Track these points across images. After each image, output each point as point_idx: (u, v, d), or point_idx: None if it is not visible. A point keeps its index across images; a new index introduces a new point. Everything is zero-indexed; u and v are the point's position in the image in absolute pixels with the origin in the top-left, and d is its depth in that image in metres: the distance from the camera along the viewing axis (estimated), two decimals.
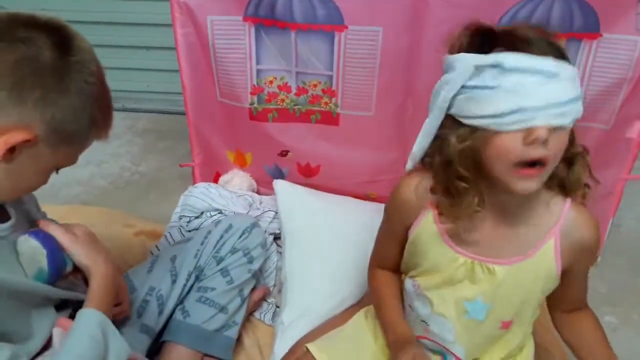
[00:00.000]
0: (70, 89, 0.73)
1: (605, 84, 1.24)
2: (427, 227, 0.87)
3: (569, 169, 0.81)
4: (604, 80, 1.24)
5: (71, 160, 0.81)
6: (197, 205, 1.46)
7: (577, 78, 0.73)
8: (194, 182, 1.57)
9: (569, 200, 0.84)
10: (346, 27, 1.23)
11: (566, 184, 0.82)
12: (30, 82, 0.70)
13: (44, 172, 0.79)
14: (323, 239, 1.34)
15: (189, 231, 1.42)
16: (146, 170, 1.98)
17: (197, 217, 1.45)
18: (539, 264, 0.84)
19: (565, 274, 0.87)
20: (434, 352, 0.97)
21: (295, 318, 1.21)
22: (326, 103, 1.38)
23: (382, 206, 1.10)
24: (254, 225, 1.22)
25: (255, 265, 1.20)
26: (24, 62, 0.70)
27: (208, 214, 1.45)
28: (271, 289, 1.35)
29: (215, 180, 1.60)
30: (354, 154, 1.45)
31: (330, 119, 1.41)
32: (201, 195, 1.48)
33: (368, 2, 1.19)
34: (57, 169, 0.81)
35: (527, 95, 0.70)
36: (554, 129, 0.71)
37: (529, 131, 0.70)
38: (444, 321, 0.91)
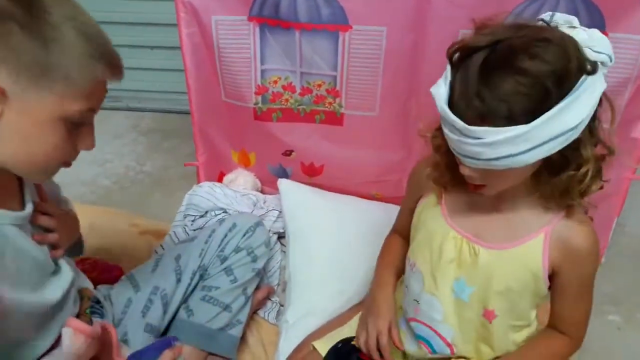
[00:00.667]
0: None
1: (610, 83, 1.23)
2: (431, 201, 0.94)
3: (554, 175, 0.78)
4: (609, 79, 1.22)
5: (80, 106, 0.72)
6: (201, 205, 1.47)
7: (521, 139, 0.68)
8: (199, 182, 1.58)
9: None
10: (350, 27, 1.23)
11: (555, 194, 0.80)
12: None
13: (48, 125, 0.72)
14: (327, 238, 1.34)
15: (194, 230, 1.43)
16: (151, 170, 1.99)
17: (201, 216, 1.46)
18: (524, 255, 0.85)
19: (553, 283, 0.87)
20: (420, 338, 0.98)
21: (299, 317, 1.21)
22: (330, 103, 1.39)
23: (387, 206, 1.11)
24: (258, 224, 1.23)
25: (259, 264, 1.21)
26: None
27: (212, 213, 1.46)
28: (275, 288, 1.35)
29: (220, 180, 1.60)
30: (358, 154, 1.45)
31: (334, 119, 1.41)
32: (206, 195, 1.48)
33: (372, 2, 1.20)
34: (72, 123, 0.74)
35: (450, 140, 0.74)
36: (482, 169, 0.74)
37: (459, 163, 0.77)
38: (434, 300, 0.93)
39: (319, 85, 1.36)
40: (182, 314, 1.11)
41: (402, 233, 1.07)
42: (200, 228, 1.43)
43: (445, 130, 0.75)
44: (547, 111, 0.67)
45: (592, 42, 0.72)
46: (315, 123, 1.44)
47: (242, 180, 1.59)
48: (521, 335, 0.94)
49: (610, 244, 1.50)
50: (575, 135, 0.71)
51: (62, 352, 0.81)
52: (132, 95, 2.33)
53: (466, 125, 0.69)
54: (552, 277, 0.87)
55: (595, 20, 1.17)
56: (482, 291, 0.89)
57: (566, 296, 0.89)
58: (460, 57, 0.74)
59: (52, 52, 0.68)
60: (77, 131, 0.76)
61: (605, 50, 0.72)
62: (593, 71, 0.70)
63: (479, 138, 0.69)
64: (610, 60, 0.73)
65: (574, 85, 0.69)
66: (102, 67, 0.73)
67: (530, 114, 0.67)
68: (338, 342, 1.05)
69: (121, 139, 2.16)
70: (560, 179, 0.77)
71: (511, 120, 0.68)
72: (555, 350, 0.93)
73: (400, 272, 1.04)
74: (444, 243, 0.91)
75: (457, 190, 0.88)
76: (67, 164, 0.78)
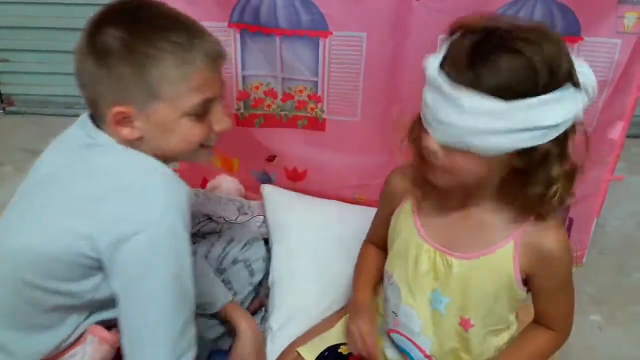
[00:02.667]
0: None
1: None
2: (406, 211, 0.94)
3: (522, 189, 0.78)
4: None
5: (193, 100, 0.82)
6: None
7: (498, 115, 0.69)
8: None
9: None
10: (330, 33, 1.24)
11: (524, 204, 0.80)
12: None
13: (174, 124, 0.82)
14: (310, 243, 1.34)
15: None
16: None
17: None
18: (496, 263, 0.85)
19: (531, 284, 0.87)
20: (401, 350, 0.99)
21: (283, 323, 1.20)
22: (312, 108, 1.39)
23: (370, 210, 1.12)
24: (255, 238, 1.25)
25: (257, 279, 1.23)
26: None
27: (196, 219, 1.45)
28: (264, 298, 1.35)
29: (203, 186, 1.60)
30: (340, 158, 1.45)
31: (316, 124, 1.41)
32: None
33: (352, 8, 1.20)
34: (196, 115, 0.83)
35: (429, 108, 0.75)
36: (449, 147, 0.74)
37: (426, 137, 0.76)
38: (412, 312, 0.93)
39: (301, 91, 1.36)
40: None
41: (376, 242, 1.08)
42: None
43: (427, 98, 0.75)
44: (530, 97, 0.68)
45: (582, 69, 0.73)
46: (297, 128, 1.44)
47: (225, 186, 1.58)
48: (502, 339, 0.94)
49: (590, 244, 1.52)
50: (548, 136, 0.71)
51: (84, 354, 0.86)
52: None
53: (452, 89, 0.70)
54: (527, 280, 0.87)
55: (571, 24, 1.19)
56: (457, 301, 0.90)
57: (546, 296, 0.89)
58: (461, 34, 0.75)
59: (148, 71, 0.78)
60: (206, 117, 0.85)
61: (591, 83, 0.73)
62: (579, 85, 0.72)
63: (460, 105, 0.70)
64: (591, 95, 0.74)
65: (560, 85, 0.70)
66: (195, 56, 0.81)
67: (514, 93, 0.68)
68: (324, 350, 1.05)
69: None
70: (529, 196, 0.77)
71: (495, 92, 0.68)
72: (544, 346, 0.93)
73: (376, 281, 1.05)
74: (419, 255, 0.91)
75: (430, 195, 0.89)
76: (206, 146, 0.89)
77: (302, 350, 1.07)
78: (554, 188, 0.76)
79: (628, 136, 1.36)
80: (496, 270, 0.86)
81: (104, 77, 0.78)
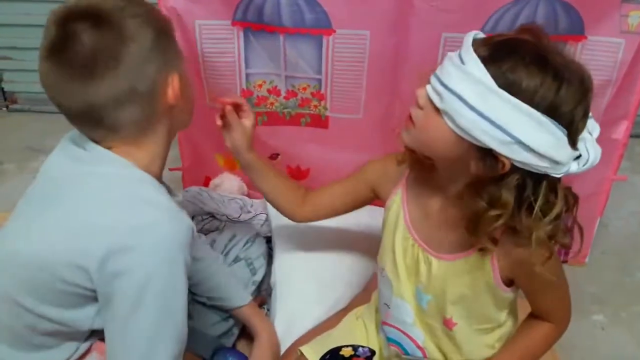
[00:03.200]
0: None
1: None
2: (396, 202, 0.94)
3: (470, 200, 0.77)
4: None
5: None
6: (188, 209, 1.46)
7: (487, 95, 0.69)
8: (184, 187, 1.57)
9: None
10: (334, 31, 1.24)
11: (466, 223, 0.79)
12: None
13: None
14: (313, 243, 1.34)
15: None
16: None
17: None
18: (474, 267, 0.84)
19: (518, 285, 0.87)
20: (393, 341, 0.99)
21: (286, 324, 1.21)
22: (315, 106, 1.39)
23: (373, 209, 1.12)
24: (257, 235, 1.25)
25: (258, 277, 1.24)
26: None
27: (199, 217, 1.45)
28: (266, 296, 1.35)
29: (206, 184, 1.60)
30: (343, 156, 1.45)
31: (319, 121, 1.42)
32: (192, 199, 1.47)
33: (355, 6, 1.20)
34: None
35: (441, 67, 0.75)
36: (434, 106, 0.73)
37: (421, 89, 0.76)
38: (403, 303, 0.94)
39: (304, 89, 1.36)
40: None
41: (316, 193, 1.10)
42: None
43: (448, 56, 0.75)
44: (523, 102, 0.68)
45: (594, 148, 0.74)
46: (300, 126, 1.44)
47: (228, 184, 1.58)
48: (492, 336, 0.93)
49: (593, 244, 1.52)
50: (514, 152, 0.70)
51: None
52: None
53: (469, 53, 0.71)
54: (512, 281, 0.86)
55: (575, 23, 1.19)
56: (438, 300, 0.90)
57: (536, 295, 0.88)
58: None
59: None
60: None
61: (592, 161, 0.73)
62: (574, 145, 0.71)
63: (463, 63, 0.71)
64: (580, 167, 0.73)
65: (556, 121, 0.69)
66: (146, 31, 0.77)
67: (512, 86, 0.68)
68: (326, 353, 1.04)
69: None
70: (469, 208, 0.76)
71: (501, 79, 0.69)
72: (543, 339, 0.92)
73: (274, 175, 1.10)
74: (406, 250, 0.92)
75: (419, 185, 0.90)
76: None
77: (304, 349, 1.07)
78: (495, 212, 0.74)
79: (632, 136, 1.35)
80: (474, 273, 0.85)
81: (152, 54, 0.76)
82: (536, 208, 0.73)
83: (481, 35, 0.75)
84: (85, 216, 0.74)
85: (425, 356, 0.96)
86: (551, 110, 0.69)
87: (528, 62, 0.69)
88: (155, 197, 0.77)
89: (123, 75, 0.74)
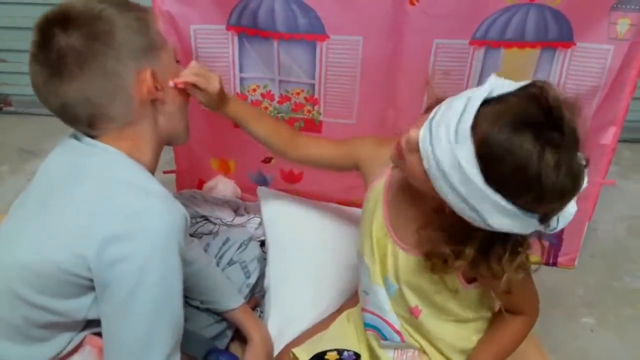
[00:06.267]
0: None
1: (580, 91, 1.28)
2: (377, 190, 0.96)
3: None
4: (578, 88, 1.27)
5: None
6: None
7: (464, 181, 0.69)
8: (178, 190, 1.57)
9: None
10: (328, 37, 1.25)
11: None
12: None
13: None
14: (306, 246, 1.35)
15: None
16: None
17: None
18: None
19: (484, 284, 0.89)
20: (371, 326, 1.02)
21: (279, 326, 1.21)
22: (309, 111, 1.40)
23: None
24: (250, 239, 1.26)
25: (252, 280, 1.24)
26: None
27: (193, 220, 1.46)
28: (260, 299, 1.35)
29: (199, 187, 1.60)
30: None
31: (313, 126, 1.43)
32: (186, 202, 1.48)
33: (349, 13, 1.21)
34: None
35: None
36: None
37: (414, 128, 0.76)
38: (380, 290, 0.96)
39: (298, 94, 1.38)
40: None
41: (306, 140, 1.11)
42: None
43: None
44: (505, 197, 0.68)
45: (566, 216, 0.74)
46: None
47: (221, 187, 1.59)
48: (467, 328, 0.95)
49: (582, 248, 1.54)
50: (486, 226, 0.72)
51: None
52: None
53: (468, 130, 0.68)
54: (475, 278, 0.88)
55: (564, 30, 1.21)
56: (403, 291, 0.93)
57: (502, 295, 0.90)
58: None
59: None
60: None
61: (562, 224, 0.75)
62: (543, 222, 0.72)
63: (457, 142, 0.69)
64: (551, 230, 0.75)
65: (533, 213, 0.70)
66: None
67: (499, 184, 0.68)
68: (311, 359, 1.05)
69: None
70: (438, 245, 0.80)
71: (487, 176, 0.68)
72: (515, 331, 0.94)
73: (259, 120, 1.12)
74: (380, 239, 0.94)
75: (401, 181, 0.92)
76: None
77: (297, 351, 1.08)
78: (457, 263, 0.78)
79: (620, 141, 1.37)
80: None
81: (121, 52, 0.78)
82: (504, 260, 0.76)
83: (486, 96, 0.70)
84: (82, 206, 0.75)
85: (403, 340, 0.98)
86: (530, 209, 0.70)
87: (523, 166, 0.66)
88: (148, 184, 0.79)
89: (90, 74, 0.77)
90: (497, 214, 0.70)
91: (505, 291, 0.82)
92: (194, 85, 0.95)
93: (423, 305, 0.93)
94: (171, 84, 0.89)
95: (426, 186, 0.75)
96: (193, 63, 0.98)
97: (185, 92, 0.93)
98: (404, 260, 0.91)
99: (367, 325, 1.03)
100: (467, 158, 0.68)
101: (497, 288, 0.87)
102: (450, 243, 0.79)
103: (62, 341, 0.83)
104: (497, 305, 0.97)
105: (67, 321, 0.81)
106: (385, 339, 1.00)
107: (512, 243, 0.77)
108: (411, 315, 0.95)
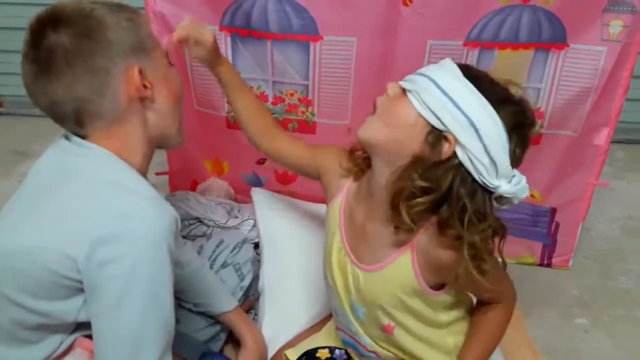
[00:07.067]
0: None
1: (573, 92, 1.28)
2: (335, 209, 0.95)
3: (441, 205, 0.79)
4: (572, 89, 1.28)
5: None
6: None
7: (450, 81, 0.78)
8: (171, 191, 1.57)
9: (433, 218, 0.82)
10: (321, 38, 1.25)
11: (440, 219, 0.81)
12: None
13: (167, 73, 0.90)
14: (301, 247, 1.34)
15: None
16: None
17: None
18: (396, 274, 0.86)
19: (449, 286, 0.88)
20: (348, 344, 1.02)
21: (273, 329, 1.21)
22: (303, 112, 1.40)
23: None
24: (244, 241, 1.25)
25: (246, 282, 1.23)
26: None
27: (186, 222, 1.45)
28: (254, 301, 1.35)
29: (193, 189, 1.60)
30: None
31: (307, 127, 1.42)
32: (179, 204, 1.47)
33: (342, 13, 1.21)
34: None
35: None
36: (402, 91, 0.82)
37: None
38: (346, 313, 0.96)
39: (292, 94, 1.37)
40: None
41: (285, 138, 1.09)
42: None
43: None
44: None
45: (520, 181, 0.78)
46: (288, 131, 1.45)
47: (215, 189, 1.58)
48: (438, 334, 0.94)
49: (576, 249, 1.54)
50: (466, 136, 0.75)
51: None
52: None
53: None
54: (442, 285, 0.87)
55: (557, 32, 1.21)
56: (370, 311, 0.91)
57: (471, 289, 0.90)
58: None
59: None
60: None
61: (523, 183, 0.78)
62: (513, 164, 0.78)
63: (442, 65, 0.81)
64: (515, 184, 0.78)
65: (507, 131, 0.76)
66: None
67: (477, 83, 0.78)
68: (302, 355, 1.05)
69: None
70: (405, 178, 0.79)
71: (468, 76, 0.78)
72: (497, 320, 0.93)
73: (245, 94, 1.11)
74: (340, 261, 0.93)
75: (353, 197, 0.92)
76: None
77: (289, 353, 1.08)
78: (422, 184, 0.77)
79: (613, 142, 1.38)
80: (399, 280, 0.86)
81: (108, 51, 0.78)
82: (469, 211, 0.76)
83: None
84: (71, 207, 0.75)
85: (379, 356, 0.98)
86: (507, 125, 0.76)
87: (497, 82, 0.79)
88: (138, 186, 0.79)
89: (78, 71, 0.77)
90: (482, 115, 0.75)
91: (478, 281, 0.80)
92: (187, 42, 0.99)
93: (395, 321, 0.91)
94: (165, 45, 0.90)
95: (402, 125, 0.79)
96: (185, 19, 1.01)
97: (177, 96, 0.92)
98: (364, 280, 0.89)
99: (344, 342, 1.03)
100: (453, 66, 0.80)
101: (468, 286, 0.86)
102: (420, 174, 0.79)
103: (52, 343, 0.82)
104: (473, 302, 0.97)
105: (57, 323, 0.80)
106: (362, 355, 1.00)
107: (478, 196, 0.77)
108: (385, 333, 0.93)
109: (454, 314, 0.93)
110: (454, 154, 0.76)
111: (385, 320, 0.91)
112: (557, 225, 1.50)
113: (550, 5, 1.17)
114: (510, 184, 0.76)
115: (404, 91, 0.81)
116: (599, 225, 1.73)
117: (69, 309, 0.77)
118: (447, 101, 0.75)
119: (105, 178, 0.78)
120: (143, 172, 0.86)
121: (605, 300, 1.47)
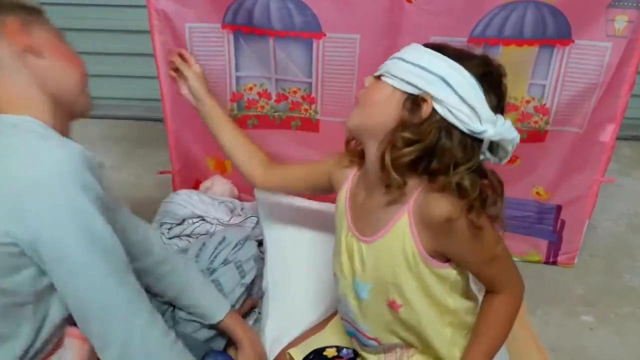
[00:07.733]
0: None
1: (578, 88, 1.27)
2: (342, 200, 0.99)
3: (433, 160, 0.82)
4: (577, 85, 1.27)
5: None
6: (178, 212, 1.45)
7: (416, 55, 0.85)
8: (174, 189, 1.56)
9: (425, 180, 0.84)
10: (324, 35, 1.24)
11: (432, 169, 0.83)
12: None
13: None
14: (305, 246, 1.34)
15: (170, 238, 1.42)
16: (125, 178, 1.97)
17: (178, 224, 1.45)
18: (395, 240, 0.86)
19: (453, 259, 0.88)
20: (351, 334, 1.03)
21: (278, 327, 1.21)
22: (306, 110, 1.39)
23: None
24: (247, 238, 1.24)
25: (248, 279, 1.22)
26: None
27: (190, 220, 1.45)
28: (257, 299, 1.34)
29: (196, 187, 1.59)
30: None
31: (310, 125, 1.42)
32: (183, 202, 1.47)
33: (345, 10, 1.20)
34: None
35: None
36: (376, 77, 0.89)
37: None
38: (346, 301, 0.97)
39: (295, 92, 1.37)
40: (169, 322, 1.11)
41: (276, 166, 1.17)
42: (177, 236, 1.42)
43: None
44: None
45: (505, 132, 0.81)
46: (291, 130, 1.44)
47: (218, 187, 1.58)
48: (442, 320, 0.93)
49: (582, 246, 1.53)
50: (441, 90, 0.80)
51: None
52: (106, 103, 2.31)
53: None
54: (444, 255, 0.87)
55: (562, 28, 1.20)
56: (376, 285, 0.92)
57: (474, 267, 0.89)
58: None
59: None
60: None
61: (508, 124, 0.82)
62: (501, 112, 0.84)
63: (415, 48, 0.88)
64: (501, 125, 0.81)
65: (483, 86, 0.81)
66: None
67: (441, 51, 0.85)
68: (310, 353, 1.05)
69: (95, 146, 2.13)
70: (392, 139, 0.83)
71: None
72: (504, 311, 0.91)
73: (231, 128, 1.20)
74: (347, 244, 0.95)
75: (356, 184, 0.96)
76: None
77: (293, 352, 1.08)
78: (406, 134, 0.81)
79: (619, 138, 1.37)
80: (399, 247, 0.86)
81: None
82: (458, 159, 0.81)
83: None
84: None
85: (379, 343, 0.98)
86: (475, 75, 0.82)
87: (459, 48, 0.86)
88: (39, 135, 0.78)
89: None
90: (448, 69, 0.81)
91: (476, 248, 0.83)
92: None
93: (402, 297, 0.90)
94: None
95: (382, 102, 0.85)
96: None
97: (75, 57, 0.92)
98: (367, 252, 0.91)
99: (348, 333, 1.04)
100: (418, 45, 0.89)
101: (466, 253, 0.85)
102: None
103: (25, 334, 0.81)
104: (480, 295, 0.96)
105: (18, 300, 0.79)
106: (364, 345, 1.00)
107: (459, 139, 0.81)
108: (391, 310, 0.92)
109: (459, 302, 0.92)
110: (434, 111, 0.81)
111: (392, 296, 0.90)
112: (563, 222, 1.49)
113: (555, 1, 1.17)
114: (495, 127, 0.80)
115: (378, 79, 0.88)
116: (605, 223, 1.72)
117: (23, 280, 0.77)
118: (415, 68, 0.82)
119: (29, 151, 0.76)
120: (53, 124, 0.84)
121: (611, 297, 1.47)
